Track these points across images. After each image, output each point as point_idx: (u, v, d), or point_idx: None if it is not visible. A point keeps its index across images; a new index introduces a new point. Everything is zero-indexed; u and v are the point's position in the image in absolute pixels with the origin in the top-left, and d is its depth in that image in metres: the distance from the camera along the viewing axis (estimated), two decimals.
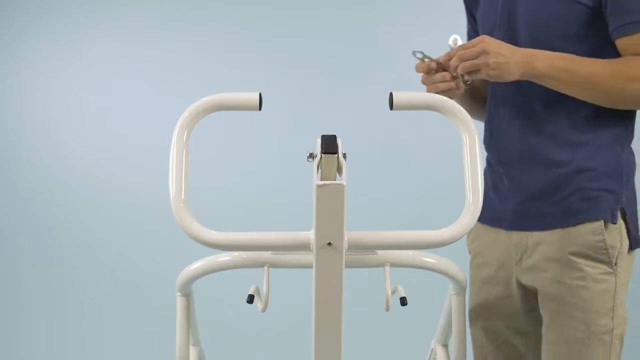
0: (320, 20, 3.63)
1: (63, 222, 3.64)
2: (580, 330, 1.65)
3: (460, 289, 1.70)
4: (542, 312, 1.72)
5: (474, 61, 1.59)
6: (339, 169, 1.39)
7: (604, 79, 1.60)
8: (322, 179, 1.37)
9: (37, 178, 3.65)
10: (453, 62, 1.61)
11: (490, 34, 1.70)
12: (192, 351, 1.84)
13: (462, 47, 1.62)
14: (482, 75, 1.61)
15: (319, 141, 1.42)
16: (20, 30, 3.63)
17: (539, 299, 1.72)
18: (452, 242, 1.49)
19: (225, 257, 1.61)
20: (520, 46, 1.67)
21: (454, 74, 1.64)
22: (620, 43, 1.62)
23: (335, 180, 1.38)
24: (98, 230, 3.62)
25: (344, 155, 1.41)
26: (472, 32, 1.93)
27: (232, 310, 2.84)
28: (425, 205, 3.27)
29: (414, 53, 1.68)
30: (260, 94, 1.50)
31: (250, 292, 1.52)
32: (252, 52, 3.63)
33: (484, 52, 1.58)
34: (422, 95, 1.53)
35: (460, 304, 1.71)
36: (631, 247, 1.69)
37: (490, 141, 1.84)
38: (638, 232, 1.72)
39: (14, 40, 3.64)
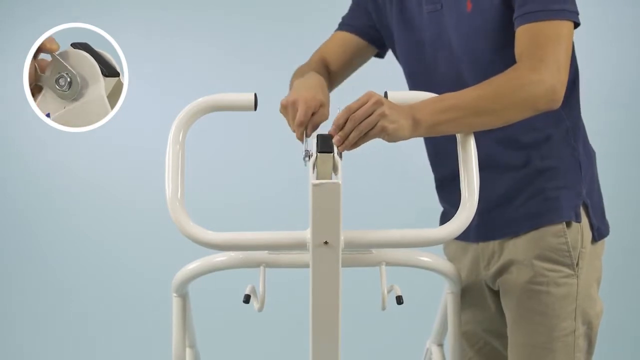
0: (320, 20, 3.61)
1: (59, 222, 3.63)
2: (542, 335, 1.64)
3: (456, 288, 1.70)
4: (506, 314, 1.71)
5: (371, 118, 1.40)
6: (335, 168, 1.39)
7: (495, 97, 1.48)
8: (318, 178, 1.36)
9: (35, 178, 3.65)
10: (348, 127, 1.41)
11: (416, 58, 1.71)
12: (189, 352, 1.83)
13: (348, 109, 1.42)
14: (375, 133, 1.42)
15: (314, 140, 1.42)
16: (19, 28, 3.63)
17: (502, 301, 1.72)
18: (448, 240, 1.49)
19: (221, 257, 1.60)
20: (460, 62, 1.64)
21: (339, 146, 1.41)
22: (518, 33, 1.55)
23: (331, 179, 1.37)
24: (95, 230, 3.62)
25: (340, 154, 1.41)
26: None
27: (228, 311, 2.84)
28: (422, 204, 3.25)
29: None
30: (255, 94, 1.51)
31: (247, 292, 1.52)
32: (252, 52, 3.63)
33: (378, 103, 1.40)
34: (417, 94, 1.54)
35: (455, 303, 1.71)
36: (595, 239, 1.68)
37: (436, 158, 1.78)
38: (602, 220, 1.71)
39: (12, 38, 3.63)
